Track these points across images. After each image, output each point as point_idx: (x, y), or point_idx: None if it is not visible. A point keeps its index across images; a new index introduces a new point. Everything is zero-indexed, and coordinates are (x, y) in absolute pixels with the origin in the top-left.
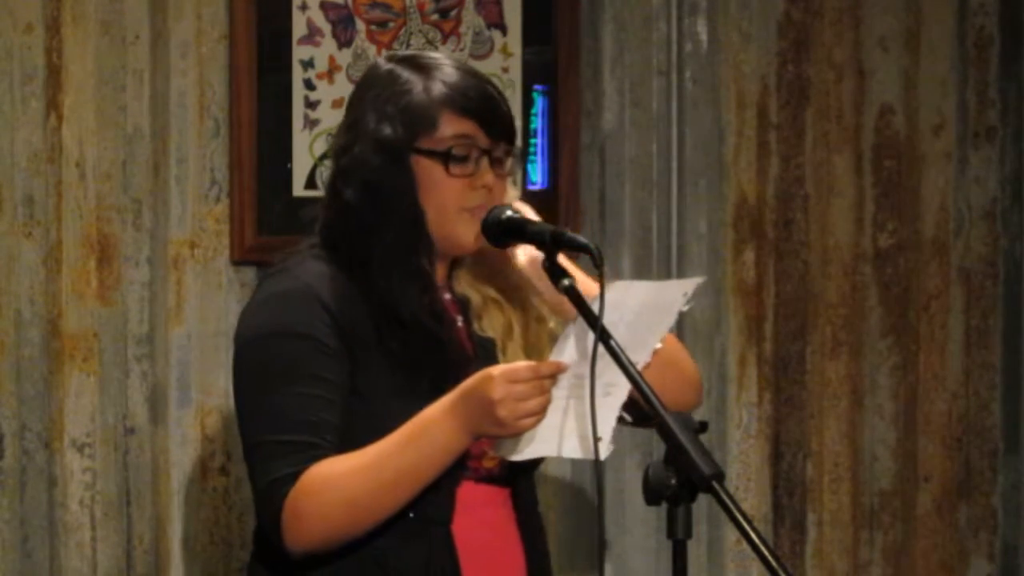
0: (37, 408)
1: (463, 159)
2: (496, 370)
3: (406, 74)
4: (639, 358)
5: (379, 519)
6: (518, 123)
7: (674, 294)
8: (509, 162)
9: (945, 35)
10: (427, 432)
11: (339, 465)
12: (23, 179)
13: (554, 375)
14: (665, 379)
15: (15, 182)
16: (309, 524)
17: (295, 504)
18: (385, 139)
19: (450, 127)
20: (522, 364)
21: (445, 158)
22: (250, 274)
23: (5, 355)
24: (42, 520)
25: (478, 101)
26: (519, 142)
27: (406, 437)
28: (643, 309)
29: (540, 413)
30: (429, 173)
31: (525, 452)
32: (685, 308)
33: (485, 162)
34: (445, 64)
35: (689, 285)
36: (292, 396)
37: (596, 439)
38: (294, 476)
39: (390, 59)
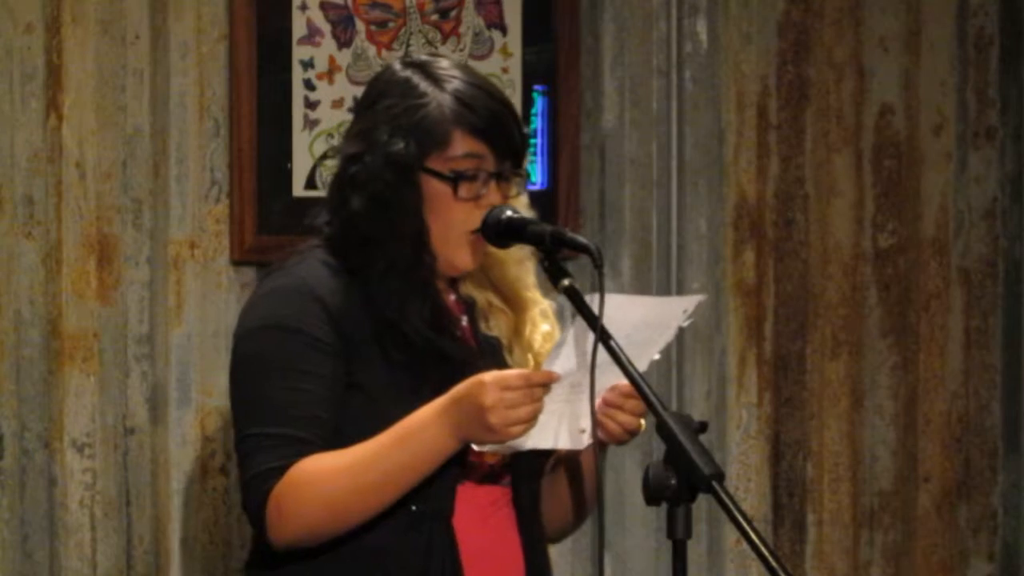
0: (37, 408)
1: (471, 178)
2: (488, 376)
3: (422, 85)
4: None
5: (362, 519)
6: None
7: (674, 310)
8: (515, 181)
9: (945, 35)
10: (416, 435)
11: (324, 463)
12: (23, 179)
13: (546, 384)
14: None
15: (15, 182)
16: (290, 521)
17: (278, 500)
18: (396, 154)
19: (461, 146)
20: (514, 372)
21: (454, 181)
22: (250, 274)
23: (5, 355)
24: (42, 520)
25: (490, 121)
26: (527, 162)
27: (394, 439)
28: (641, 324)
29: (530, 421)
30: (437, 192)
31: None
32: (685, 324)
33: (493, 183)
34: (459, 77)
35: (690, 302)
36: (282, 390)
37: (596, 439)
38: (279, 470)
39: (406, 65)
